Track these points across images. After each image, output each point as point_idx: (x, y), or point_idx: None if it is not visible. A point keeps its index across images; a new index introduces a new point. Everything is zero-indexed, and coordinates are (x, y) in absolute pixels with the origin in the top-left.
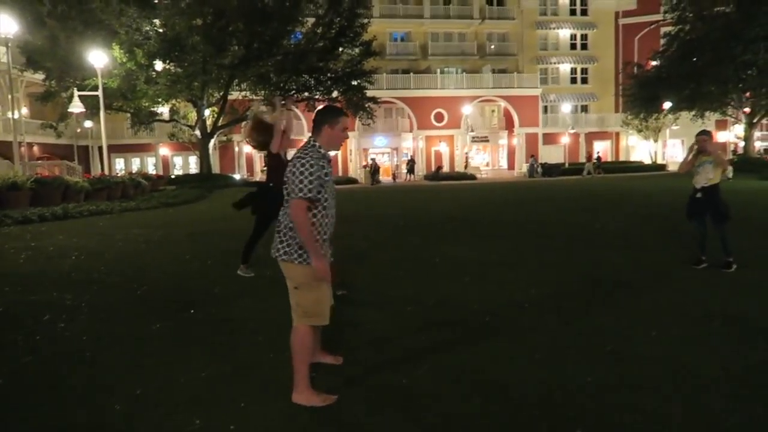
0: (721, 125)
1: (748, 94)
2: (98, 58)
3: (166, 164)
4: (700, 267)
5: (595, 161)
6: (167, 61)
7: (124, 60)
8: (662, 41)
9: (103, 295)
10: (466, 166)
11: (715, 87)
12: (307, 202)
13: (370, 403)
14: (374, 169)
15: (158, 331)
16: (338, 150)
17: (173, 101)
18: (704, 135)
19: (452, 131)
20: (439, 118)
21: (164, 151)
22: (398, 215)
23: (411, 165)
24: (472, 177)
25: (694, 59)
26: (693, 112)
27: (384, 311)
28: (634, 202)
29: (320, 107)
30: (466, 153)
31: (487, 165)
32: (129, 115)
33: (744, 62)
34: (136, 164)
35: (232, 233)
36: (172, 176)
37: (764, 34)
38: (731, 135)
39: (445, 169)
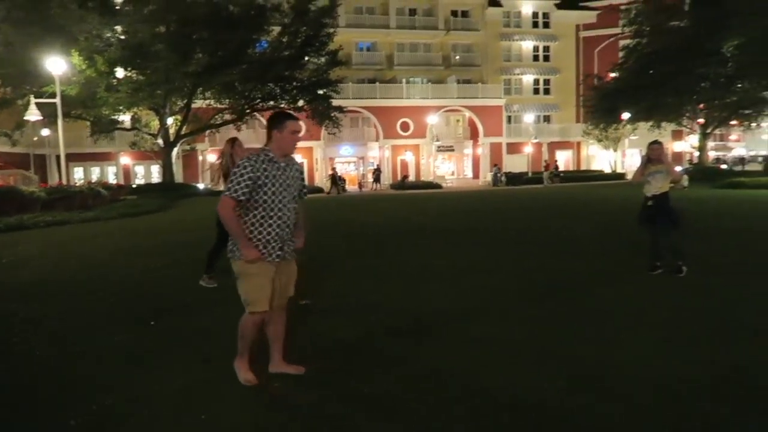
0: (677, 135)
1: (702, 105)
2: (57, 64)
3: (127, 173)
4: (656, 272)
5: (552, 171)
6: (129, 69)
7: (84, 67)
8: (621, 54)
9: (63, 307)
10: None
11: (671, 99)
12: (234, 201)
13: (337, 411)
14: (335, 179)
15: (121, 342)
16: (292, 153)
17: (135, 109)
18: (656, 145)
19: (418, 140)
20: (405, 127)
21: (125, 160)
22: (365, 224)
23: (377, 174)
24: (438, 186)
25: (651, 72)
26: (650, 123)
27: (350, 319)
28: (594, 210)
29: (270, 114)
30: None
31: (453, 174)
32: (89, 123)
33: (698, 75)
34: (96, 173)
35: (197, 243)
36: (134, 186)
37: (717, 48)
38: (687, 145)
39: (411, 178)
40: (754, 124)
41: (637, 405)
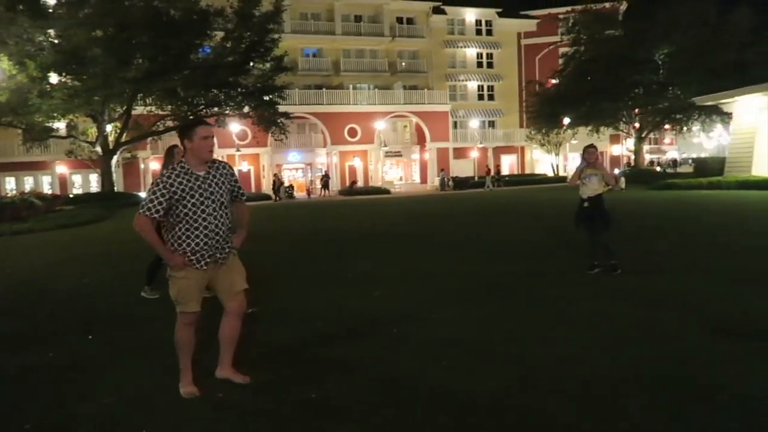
0: (615, 139)
1: (637, 110)
2: None
3: (64, 183)
4: (594, 272)
5: (494, 175)
6: (63, 74)
7: (14, 72)
8: (560, 61)
9: None
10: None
11: (608, 104)
12: (149, 219)
13: (281, 418)
14: (278, 186)
15: (54, 359)
16: (209, 158)
17: (71, 116)
18: (591, 149)
19: (366, 146)
20: (352, 133)
21: (62, 169)
22: (311, 231)
23: (326, 180)
24: (387, 191)
25: (589, 78)
26: (589, 128)
27: (294, 327)
28: (536, 213)
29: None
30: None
31: (401, 179)
32: (20, 131)
33: (632, 82)
34: (29, 183)
35: (136, 254)
36: (71, 195)
37: (648, 56)
38: (623, 148)
39: (360, 183)
40: (685, 128)
41: (575, 398)
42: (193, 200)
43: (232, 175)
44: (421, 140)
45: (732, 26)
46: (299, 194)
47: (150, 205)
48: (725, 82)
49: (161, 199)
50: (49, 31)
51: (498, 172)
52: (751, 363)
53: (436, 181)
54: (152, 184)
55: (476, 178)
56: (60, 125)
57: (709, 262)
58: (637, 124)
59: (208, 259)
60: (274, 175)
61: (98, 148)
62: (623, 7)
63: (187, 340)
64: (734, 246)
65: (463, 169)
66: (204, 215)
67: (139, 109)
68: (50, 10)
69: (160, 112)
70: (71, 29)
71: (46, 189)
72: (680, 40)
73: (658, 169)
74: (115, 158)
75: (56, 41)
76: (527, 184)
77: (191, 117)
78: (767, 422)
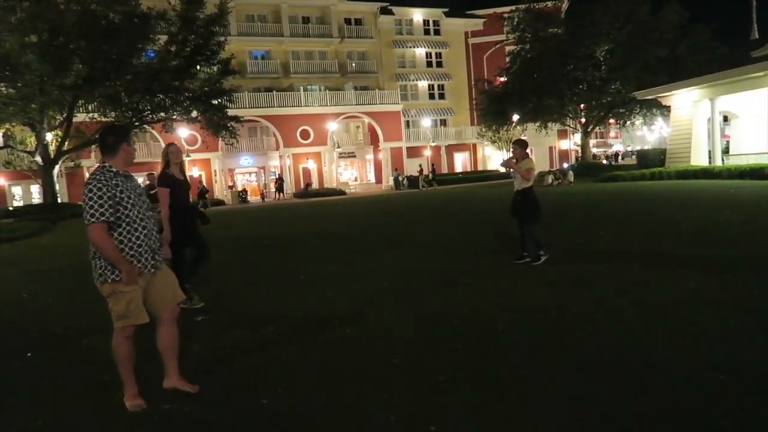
0: (563, 134)
1: (581, 106)
2: None
3: (2, 195)
4: (521, 261)
5: (427, 174)
6: None
7: None
8: (507, 59)
9: None
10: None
11: (554, 101)
12: (104, 225)
13: (232, 424)
14: (202, 192)
15: None
16: (131, 165)
17: (6, 125)
18: (515, 145)
19: (319, 148)
20: (305, 135)
21: (0, 180)
22: (265, 235)
23: (280, 183)
24: (342, 192)
25: (535, 75)
26: (537, 123)
27: (246, 331)
28: (480, 209)
29: (105, 128)
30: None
31: (356, 180)
32: None
33: (575, 78)
34: None
35: (77, 268)
36: (11, 208)
37: (589, 53)
38: (571, 143)
39: (315, 185)
40: (628, 122)
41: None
42: (131, 201)
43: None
44: (374, 140)
45: (663, 22)
46: (253, 198)
47: (101, 209)
48: (660, 76)
49: (107, 200)
50: None
51: (432, 171)
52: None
53: (391, 181)
54: (87, 190)
55: (430, 177)
56: None
57: (644, 248)
58: (582, 119)
59: (152, 262)
60: (199, 177)
61: (38, 158)
62: (565, 5)
63: (128, 352)
64: (668, 232)
65: (416, 167)
66: (141, 215)
67: (80, 116)
68: None
69: (104, 119)
70: (2, 34)
71: None
72: (617, 37)
73: (604, 162)
74: (57, 168)
75: None
76: (480, 181)
77: (136, 123)
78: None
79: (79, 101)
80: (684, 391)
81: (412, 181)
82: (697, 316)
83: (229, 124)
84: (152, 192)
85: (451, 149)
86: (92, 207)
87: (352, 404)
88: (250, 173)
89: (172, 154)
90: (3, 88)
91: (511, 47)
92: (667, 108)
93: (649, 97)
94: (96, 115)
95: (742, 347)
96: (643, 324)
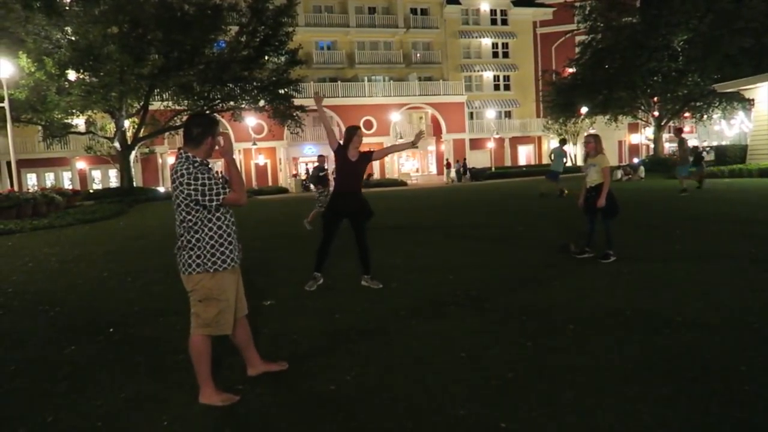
0: (633, 128)
1: (655, 99)
2: (2, 67)
3: (83, 178)
4: (583, 256)
5: (457, 167)
6: (81, 71)
7: (33, 69)
8: (577, 50)
9: (9, 320)
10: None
11: (625, 93)
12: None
13: (300, 410)
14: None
15: (72, 354)
16: (210, 157)
17: (89, 112)
18: (587, 138)
19: (381, 138)
20: (368, 125)
21: (81, 164)
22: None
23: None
24: (404, 183)
25: (606, 66)
26: (607, 117)
27: (315, 319)
28: (549, 206)
29: (192, 117)
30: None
31: (417, 171)
32: (40, 127)
33: (649, 69)
34: (50, 179)
35: (153, 250)
36: (91, 191)
37: (666, 43)
38: (642, 137)
39: (376, 176)
40: (705, 116)
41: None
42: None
43: None
44: (437, 131)
45: (748, 11)
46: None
47: (215, 186)
48: (744, 68)
49: (214, 178)
50: (66, 28)
51: (464, 165)
52: None
53: (453, 173)
54: (186, 174)
55: (493, 169)
56: (79, 121)
57: (715, 248)
58: (656, 113)
59: (239, 252)
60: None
61: (116, 144)
62: None
63: (207, 350)
64: (748, 234)
65: (479, 160)
66: (226, 208)
67: (155, 105)
68: (66, 8)
69: (177, 107)
70: (87, 26)
71: (67, 185)
72: (697, 27)
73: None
74: (133, 153)
75: (72, 38)
76: (514, 176)
77: (207, 111)
78: None
79: (155, 90)
80: None
81: (474, 173)
82: None
83: (294, 114)
84: (321, 174)
85: (515, 141)
86: (209, 187)
87: (421, 397)
88: (313, 162)
89: (358, 138)
90: (86, 77)
91: (582, 37)
92: (750, 101)
93: (731, 90)
94: (170, 103)
95: None
96: (728, 329)
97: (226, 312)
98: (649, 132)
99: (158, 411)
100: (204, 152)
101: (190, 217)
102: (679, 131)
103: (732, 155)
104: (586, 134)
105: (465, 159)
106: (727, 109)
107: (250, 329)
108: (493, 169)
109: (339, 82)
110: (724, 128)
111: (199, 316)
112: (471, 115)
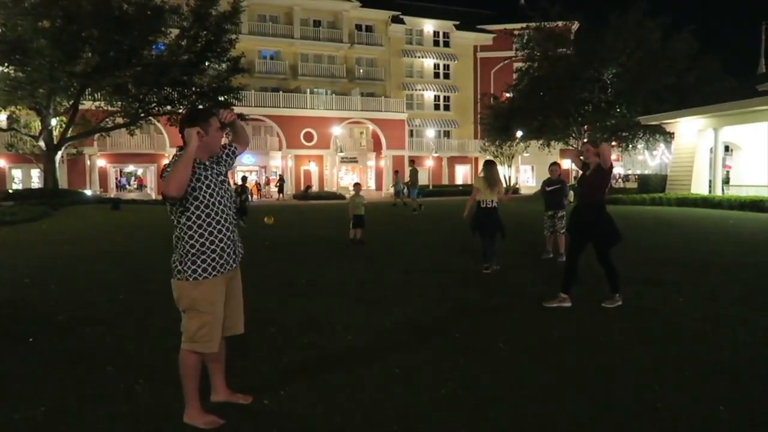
0: (565, 153)
1: (586, 127)
2: None
3: (2, 177)
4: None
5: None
6: (6, 65)
7: None
8: (515, 76)
9: None
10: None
11: (559, 120)
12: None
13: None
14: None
15: None
16: (218, 151)
17: (12, 108)
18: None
19: (322, 151)
20: (308, 137)
21: (0, 162)
22: (265, 236)
23: (281, 184)
24: (342, 197)
25: (542, 94)
26: (541, 142)
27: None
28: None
29: (185, 114)
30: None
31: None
32: None
33: (581, 99)
34: None
35: (79, 255)
36: (10, 191)
37: (597, 76)
38: (572, 163)
39: (315, 188)
40: (630, 146)
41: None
42: (210, 189)
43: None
44: (377, 147)
45: (673, 52)
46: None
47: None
48: (667, 104)
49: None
50: None
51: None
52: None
53: (391, 189)
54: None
55: (430, 187)
56: (1, 117)
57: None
58: (585, 140)
59: (233, 257)
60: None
61: (41, 143)
62: (575, 27)
63: (195, 367)
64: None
65: (418, 177)
66: (223, 206)
67: (87, 104)
68: None
69: (110, 108)
70: (16, 18)
71: None
72: (626, 62)
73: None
74: (59, 154)
75: None
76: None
77: (142, 114)
78: None
79: (87, 89)
80: None
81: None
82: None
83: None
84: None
85: (453, 161)
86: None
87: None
88: (251, 172)
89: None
90: (12, 72)
91: (519, 64)
92: (671, 134)
93: (654, 123)
94: (102, 104)
95: None
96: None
97: (209, 326)
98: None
99: (81, 424)
100: (201, 148)
101: (172, 217)
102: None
103: (654, 184)
104: (485, 161)
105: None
106: (650, 141)
107: (224, 350)
108: (430, 186)
109: (281, 92)
110: (647, 158)
111: (183, 328)
112: (411, 132)
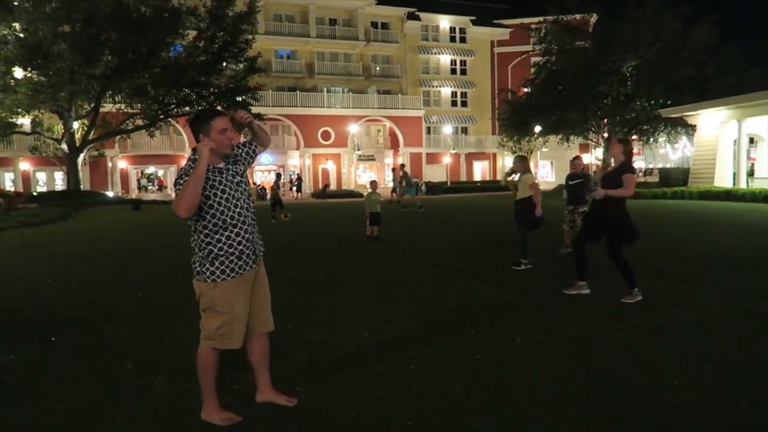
0: (584, 148)
1: (605, 120)
2: None
3: (27, 180)
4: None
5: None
6: (28, 69)
7: None
8: (532, 70)
9: None
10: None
11: (577, 114)
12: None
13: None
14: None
15: (10, 362)
16: (229, 152)
17: (36, 112)
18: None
19: (339, 149)
20: (325, 136)
21: (25, 165)
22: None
23: (298, 183)
24: (359, 195)
25: (559, 88)
26: (559, 136)
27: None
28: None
29: (194, 114)
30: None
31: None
32: None
33: (600, 93)
34: None
35: (100, 255)
36: (35, 193)
37: (616, 68)
38: (593, 157)
39: (332, 187)
40: (651, 139)
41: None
42: (225, 195)
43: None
44: (394, 145)
45: (693, 42)
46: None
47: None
48: (687, 95)
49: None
50: (14, 24)
51: (402, 178)
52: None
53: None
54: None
55: (449, 183)
56: (24, 121)
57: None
58: (605, 134)
59: (252, 258)
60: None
61: (64, 145)
62: (593, 20)
63: (213, 363)
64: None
65: (435, 174)
66: (239, 209)
67: (107, 107)
68: (15, 3)
69: (130, 110)
70: (37, 23)
71: (8, 186)
72: (645, 54)
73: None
74: (81, 156)
75: (21, 35)
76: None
77: (161, 116)
78: None
79: (107, 92)
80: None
81: (431, 187)
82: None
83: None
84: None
85: (471, 158)
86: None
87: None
88: (269, 171)
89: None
90: (34, 76)
91: (537, 58)
92: (692, 127)
93: (675, 116)
94: (122, 106)
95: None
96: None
97: (229, 324)
98: (599, 153)
99: (101, 419)
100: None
101: (189, 223)
102: (401, 166)
103: (676, 178)
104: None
105: (402, 168)
106: (671, 134)
107: (268, 349)
108: (448, 183)
109: (298, 91)
110: (669, 152)
111: (202, 326)
112: (428, 129)
